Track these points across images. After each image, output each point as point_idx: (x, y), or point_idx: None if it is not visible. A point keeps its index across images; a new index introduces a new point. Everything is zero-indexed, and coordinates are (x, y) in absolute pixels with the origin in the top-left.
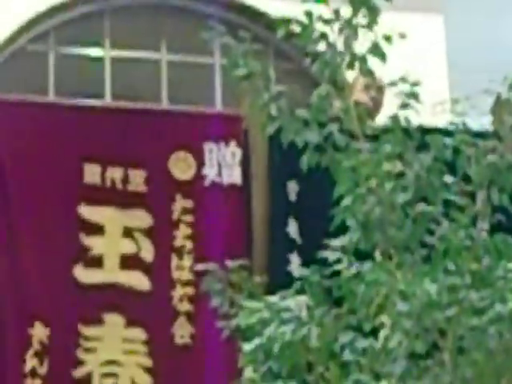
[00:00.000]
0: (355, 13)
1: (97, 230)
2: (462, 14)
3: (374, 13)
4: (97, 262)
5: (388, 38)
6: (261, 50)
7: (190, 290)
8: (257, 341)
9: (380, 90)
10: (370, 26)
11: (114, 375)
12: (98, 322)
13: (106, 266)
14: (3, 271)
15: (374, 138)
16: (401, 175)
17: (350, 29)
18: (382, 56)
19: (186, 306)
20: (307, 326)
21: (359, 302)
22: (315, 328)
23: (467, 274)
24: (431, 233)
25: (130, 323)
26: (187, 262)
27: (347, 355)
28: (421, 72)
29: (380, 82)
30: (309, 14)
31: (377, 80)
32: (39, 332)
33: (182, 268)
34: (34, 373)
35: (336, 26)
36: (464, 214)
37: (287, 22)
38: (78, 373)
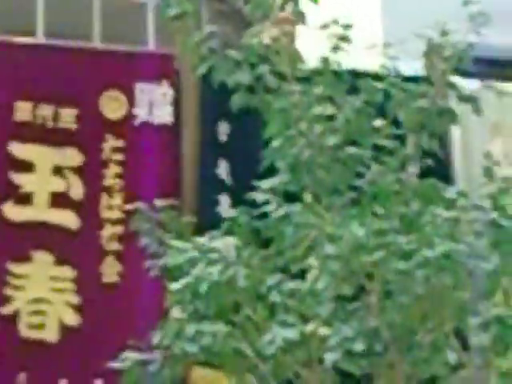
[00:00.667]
0: None
1: (27, 167)
2: None
3: None
4: (26, 200)
5: None
6: None
7: (119, 229)
8: (184, 280)
9: (292, 23)
10: None
11: (41, 313)
12: (27, 259)
13: (35, 203)
14: None
15: (305, 80)
16: (331, 118)
17: None
18: None
19: (114, 245)
20: (234, 266)
21: (287, 243)
22: (243, 269)
23: (395, 218)
24: (360, 176)
25: (59, 261)
26: (117, 201)
27: (274, 297)
28: (354, 16)
29: (290, 15)
30: None
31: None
32: None
33: (111, 207)
34: None
35: None
36: (393, 158)
37: None
38: (5, 310)
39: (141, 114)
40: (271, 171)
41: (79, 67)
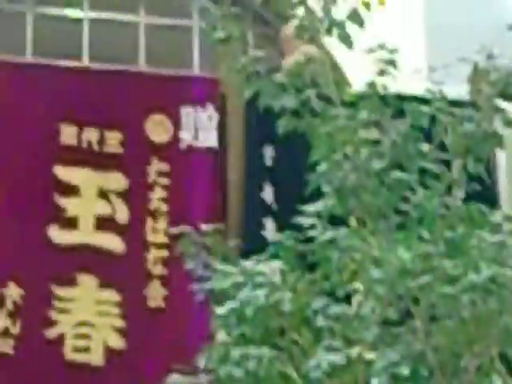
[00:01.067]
0: None
1: (72, 191)
2: None
3: None
4: (71, 223)
5: (367, 5)
6: (239, 13)
7: (164, 253)
8: (230, 305)
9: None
10: None
11: (86, 336)
12: (72, 282)
13: (80, 227)
14: None
15: (351, 104)
16: (377, 142)
17: None
18: (361, 22)
19: (159, 269)
20: (280, 290)
21: (333, 267)
22: (288, 293)
23: (441, 241)
24: (406, 200)
25: (104, 285)
26: (162, 224)
27: (320, 321)
28: (398, 39)
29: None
30: None
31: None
32: (12, 292)
33: (156, 230)
34: (6, 332)
35: None
36: (439, 182)
37: None
38: (51, 333)
39: (186, 137)
40: (317, 195)
41: (124, 91)
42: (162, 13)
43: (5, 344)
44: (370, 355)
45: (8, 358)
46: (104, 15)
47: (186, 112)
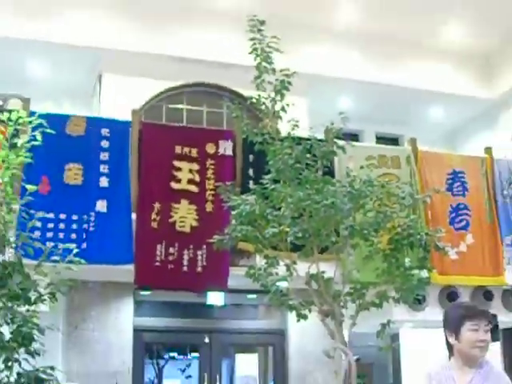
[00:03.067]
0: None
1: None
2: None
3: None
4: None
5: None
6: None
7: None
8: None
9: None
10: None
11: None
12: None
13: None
14: None
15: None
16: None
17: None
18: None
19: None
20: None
21: (274, 200)
22: (258, 206)
23: (313, 189)
24: (301, 174)
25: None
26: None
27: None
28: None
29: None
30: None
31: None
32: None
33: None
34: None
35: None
36: (312, 173)
37: None
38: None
39: (221, 151)
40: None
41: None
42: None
43: None
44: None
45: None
46: None
47: (222, 142)
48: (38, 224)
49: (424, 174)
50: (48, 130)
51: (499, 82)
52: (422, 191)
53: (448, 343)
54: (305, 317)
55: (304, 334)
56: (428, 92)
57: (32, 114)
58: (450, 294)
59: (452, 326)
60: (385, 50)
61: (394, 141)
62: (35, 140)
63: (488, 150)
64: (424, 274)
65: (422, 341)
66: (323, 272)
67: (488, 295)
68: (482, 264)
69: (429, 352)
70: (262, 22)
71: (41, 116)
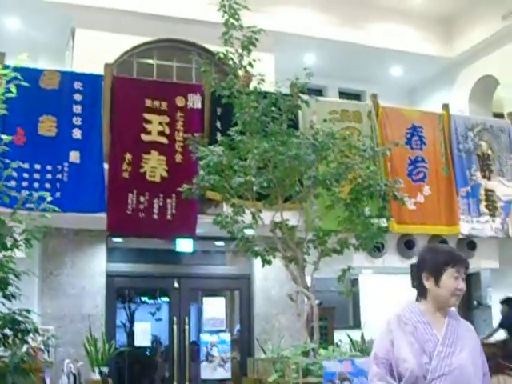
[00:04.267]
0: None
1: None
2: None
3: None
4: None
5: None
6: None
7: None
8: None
9: (250, 77)
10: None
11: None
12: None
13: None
14: None
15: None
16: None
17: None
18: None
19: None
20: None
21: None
22: (224, 158)
23: (278, 141)
24: (267, 128)
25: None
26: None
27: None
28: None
29: (251, 75)
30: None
31: (250, 75)
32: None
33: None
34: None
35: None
36: (277, 125)
37: None
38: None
39: (190, 104)
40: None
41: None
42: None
43: None
44: None
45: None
46: None
47: (191, 96)
48: (14, 174)
49: (384, 129)
50: (22, 83)
51: (458, 43)
52: (382, 144)
53: (422, 287)
54: (269, 262)
55: (268, 279)
56: (390, 51)
57: (6, 67)
58: (407, 242)
59: (433, 270)
60: (349, 10)
61: (356, 96)
62: (10, 92)
63: (445, 106)
64: (383, 222)
65: (380, 286)
66: (287, 220)
67: (443, 243)
68: (438, 214)
69: (387, 296)
70: None
71: (15, 69)
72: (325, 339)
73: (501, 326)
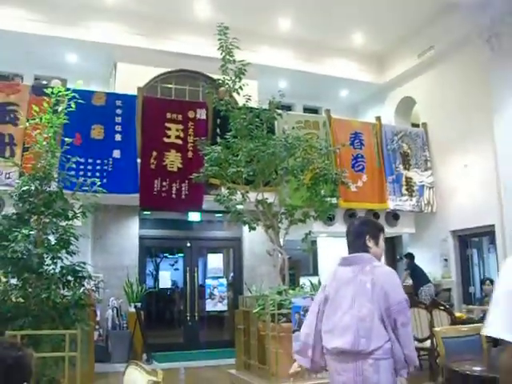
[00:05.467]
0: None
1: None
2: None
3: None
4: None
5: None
6: (210, 85)
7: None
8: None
9: (225, 93)
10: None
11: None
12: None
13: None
14: None
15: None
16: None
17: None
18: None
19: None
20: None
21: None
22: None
23: (249, 144)
24: (253, 131)
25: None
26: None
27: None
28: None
29: (225, 92)
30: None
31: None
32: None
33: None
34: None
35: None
36: (261, 130)
37: None
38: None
39: (198, 116)
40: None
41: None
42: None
43: None
44: None
45: None
46: None
47: (199, 110)
48: (73, 166)
49: (335, 134)
50: (79, 101)
51: (387, 73)
52: (333, 145)
53: (366, 246)
54: (254, 228)
55: (253, 240)
56: (339, 79)
57: (67, 89)
58: (350, 215)
59: (375, 234)
60: (311, 50)
61: (315, 111)
62: (70, 107)
63: (378, 118)
64: (334, 200)
65: (331, 245)
66: (266, 199)
67: (376, 215)
68: (373, 195)
69: (335, 253)
70: (227, 28)
71: (74, 91)
72: (293, 283)
73: (406, 270)
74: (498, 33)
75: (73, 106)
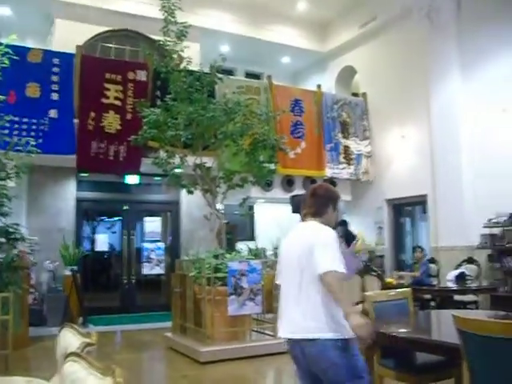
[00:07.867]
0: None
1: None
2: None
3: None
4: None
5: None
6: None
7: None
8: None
9: (181, 60)
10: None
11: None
12: None
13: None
14: None
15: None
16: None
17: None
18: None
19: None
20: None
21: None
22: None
23: (200, 107)
24: (192, 97)
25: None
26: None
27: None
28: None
29: (182, 58)
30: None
31: (182, 58)
32: None
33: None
34: None
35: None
36: (201, 95)
37: None
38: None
39: (137, 77)
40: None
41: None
42: None
43: None
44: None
45: None
46: None
47: (139, 71)
48: (7, 124)
49: (276, 100)
50: (13, 57)
51: (329, 42)
52: (274, 111)
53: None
54: (192, 192)
55: (191, 204)
56: (281, 45)
57: (0, 44)
58: (288, 181)
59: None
60: (254, 14)
61: (257, 76)
62: (3, 63)
63: (319, 86)
64: (272, 166)
65: (268, 211)
66: (205, 163)
67: (313, 182)
68: (311, 162)
69: (272, 219)
70: None
71: (7, 46)
72: (230, 247)
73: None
74: (438, 7)
75: (6, 61)
